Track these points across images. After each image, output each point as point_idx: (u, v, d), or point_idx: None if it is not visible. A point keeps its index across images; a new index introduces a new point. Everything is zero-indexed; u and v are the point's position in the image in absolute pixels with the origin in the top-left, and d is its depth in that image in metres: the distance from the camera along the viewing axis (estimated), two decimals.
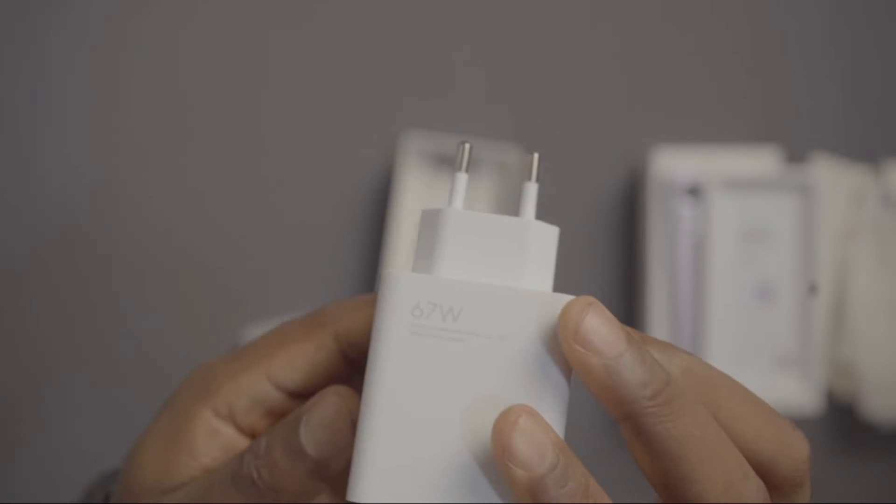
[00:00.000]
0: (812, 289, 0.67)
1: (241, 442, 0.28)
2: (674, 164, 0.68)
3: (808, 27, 0.73)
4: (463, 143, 0.28)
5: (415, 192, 0.71)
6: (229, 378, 0.28)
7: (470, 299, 0.25)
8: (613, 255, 0.73)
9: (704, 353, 0.66)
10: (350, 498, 0.23)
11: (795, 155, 0.71)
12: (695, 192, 0.68)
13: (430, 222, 0.27)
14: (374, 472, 0.23)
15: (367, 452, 0.23)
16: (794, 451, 0.26)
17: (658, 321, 0.68)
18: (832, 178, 0.70)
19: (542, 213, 0.77)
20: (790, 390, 0.67)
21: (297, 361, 0.28)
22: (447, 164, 0.72)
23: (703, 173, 0.67)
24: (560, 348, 0.24)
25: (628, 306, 0.72)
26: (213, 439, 0.28)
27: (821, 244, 0.67)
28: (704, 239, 0.67)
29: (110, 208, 0.73)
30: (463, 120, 0.73)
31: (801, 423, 0.72)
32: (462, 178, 0.29)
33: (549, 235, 0.28)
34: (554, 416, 0.24)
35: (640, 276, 0.72)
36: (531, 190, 0.28)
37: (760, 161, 0.69)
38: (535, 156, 0.28)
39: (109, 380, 0.73)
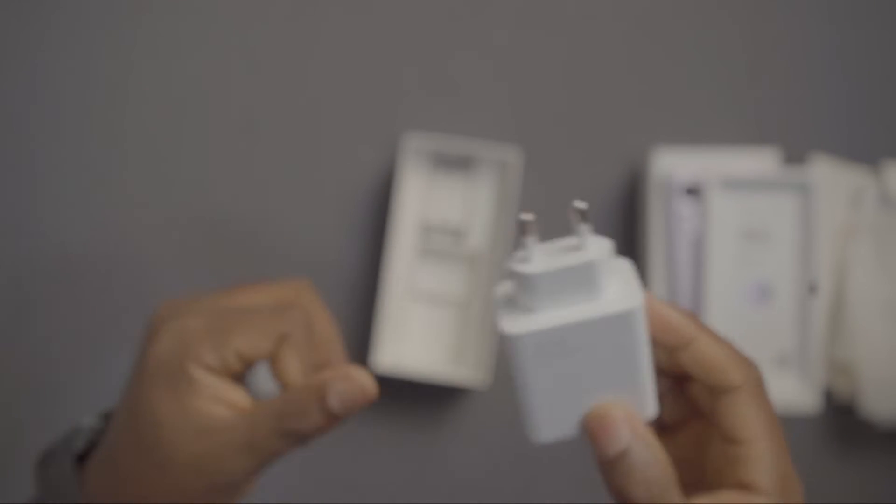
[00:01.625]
0: (812, 289, 0.67)
1: (229, 385, 0.38)
2: (674, 165, 0.68)
3: (808, 29, 0.73)
4: (523, 216, 0.35)
5: (415, 193, 0.72)
6: (215, 340, 0.38)
7: (572, 335, 0.32)
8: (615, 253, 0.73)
9: None
10: (535, 439, 0.35)
11: (794, 156, 0.72)
12: (694, 191, 0.68)
13: (521, 282, 0.33)
14: (541, 425, 0.34)
15: (534, 418, 0.34)
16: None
17: None
18: (831, 178, 0.71)
19: (545, 213, 0.77)
20: (789, 389, 0.67)
21: (262, 345, 0.39)
22: (447, 164, 0.72)
23: (702, 173, 0.68)
24: (641, 336, 0.33)
25: None
26: (212, 386, 0.38)
27: (820, 244, 0.67)
28: (704, 238, 0.68)
29: (111, 209, 0.73)
30: (464, 120, 0.73)
31: (800, 421, 0.72)
32: (532, 241, 0.35)
33: (621, 267, 0.35)
34: (649, 386, 0.33)
35: (639, 275, 0.72)
36: (585, 230, 0.35)
37: (760, 161, 0.69)
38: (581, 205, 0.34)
39: (110, 383, 0.73)
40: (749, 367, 0.35)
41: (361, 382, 0.38)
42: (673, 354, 0.34)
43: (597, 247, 0.34)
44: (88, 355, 0.73)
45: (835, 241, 0.71)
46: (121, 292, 0.73)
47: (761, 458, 0.33)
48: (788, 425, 0.72)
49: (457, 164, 0.72)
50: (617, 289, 0.34)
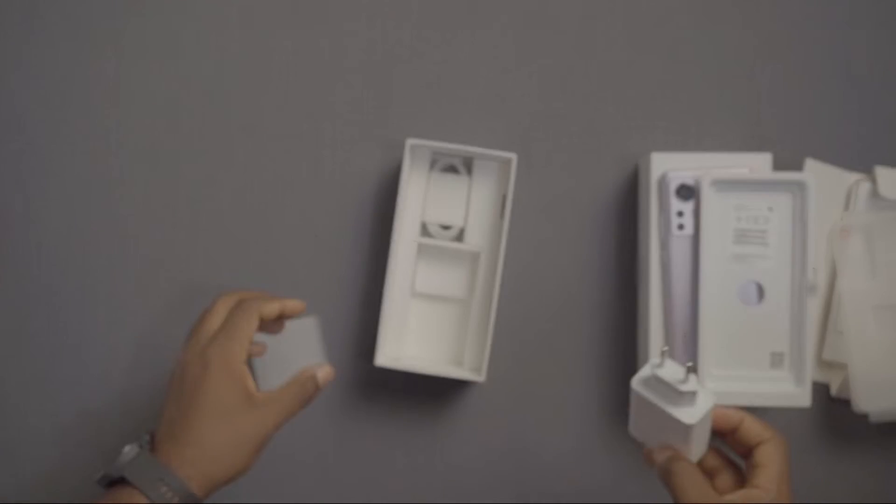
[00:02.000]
0: (811, 288, 0.68)
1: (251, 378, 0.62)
2: (670, 168, 0.69)
3: (803, 37, 0.74)
4: (663, 348, 0.57)
5: (417, 195, 0.73)
6: (238, 342, 0.61)
7: (654, 407, 0.56)
8: (613, 254, 0.74)
9: (698, 349, 0.68)
10: (630, 431, 0.60)
11: (788, 162, 0.72)
12: (691, 192, 0.69)
13: (651, 373, 0.57)
14: (633, 429, 0.60)
15: (631, 422, 0.60)
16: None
17: (654, 318, 0.69)
18: (823, 180, 0.71)
19: (548, 212, 0.76)
20: (783, 385, 0.68)
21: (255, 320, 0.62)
22: (448, 167, 0.73)
23: (698, 174, 0.68)
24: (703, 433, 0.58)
25: (628, 304, 0.74)
26: (247, 376, 0.61)
27: (813, 244, 0.68)
28: (699, 239, 0.68)
29: (118, 209, 0.74)
30: (466, 123, 0.74)
31: (793, 415, 0.73)
32: (667, 358, 0.57)
33: (706, 399, 0.57)
34: (697, 447, 0.58)
35: (637, 274, 0.73)
36: (693, 377, 0.56)
37: (754, 166, 0.69)
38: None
39: (118, 379, 0.74)
40: (774, 430, 0.57)
41: (327, 373, 0.63)
42: (734, 432, 0.58)
43: (690, 385, 0.55)
44: (88, 348, 0.74)
45: (827, 242, 0.72)
46: (125, 288, 0.74)
47: (773, 475, 0.56)
48: (783, 419, 0.73)
49: (458, 167, 0.73)
50: (690, 408, 0.56)
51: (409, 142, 0.70)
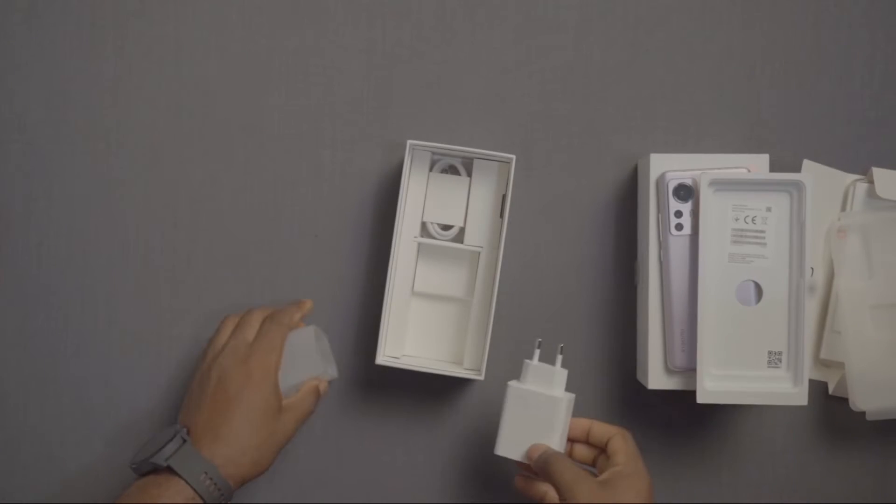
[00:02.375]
0: (811, 288, 0.68)
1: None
2: (669, 168, 0.69)
3: (802, 38, 0.74)
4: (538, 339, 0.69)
5: (418, 195, 0.73)
6: (276, 355, 0.69)
7: (529, 396, 0.67)
8: (612, 254, 0.74)
9: (697, 348, 0.68)
10: (497, 452, 0.67)
11: (786, 164, 0.73)
12: (689, 192, 0.69)
13: (524, 367, 0.68)
14: (503, 446, 0.67)
15: (501, 440, 0.67)
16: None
17: (653, 318, 0.70)
18: (820, 181, 0.72)
19: (548, 212, 0.76)
20: (780, 384, 0.68)
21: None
22: (449, 167, 0.73)
23: (697, 175, 0.68)
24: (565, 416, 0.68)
25: (627, 303, 0.74)
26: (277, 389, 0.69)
27: (811, 244, 0.68)
28: (697, 238, 0.68)
29: (118, 209, 0.74)
30: (467, 125, 0.74)
31: (790, 414, 0.72)
32: (537, 353, 0.69)
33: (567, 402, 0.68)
34: (563, 438, 0.68)
35: (636, 274, 0.74)
36: (559, 361, 0.68)
37: (752, 167, 0.70)
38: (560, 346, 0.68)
39: (118, 379, 0.75)
40: (618, 427, 0.68)
41: (325, 387, 0.71)
42: (587, 436, 0.68)
43: (558, 367, 0.67)
44: (88, 348, 0.74)
45: (825, 242, 0.72)
46: (128, 288, 0.74)
47: (628, 455, 0.65)
48: (780, 418, 0.73)
49: (458, 168, 0.73)
50: (561, 389, 0.67)
51: (410, 142, 0.70)
